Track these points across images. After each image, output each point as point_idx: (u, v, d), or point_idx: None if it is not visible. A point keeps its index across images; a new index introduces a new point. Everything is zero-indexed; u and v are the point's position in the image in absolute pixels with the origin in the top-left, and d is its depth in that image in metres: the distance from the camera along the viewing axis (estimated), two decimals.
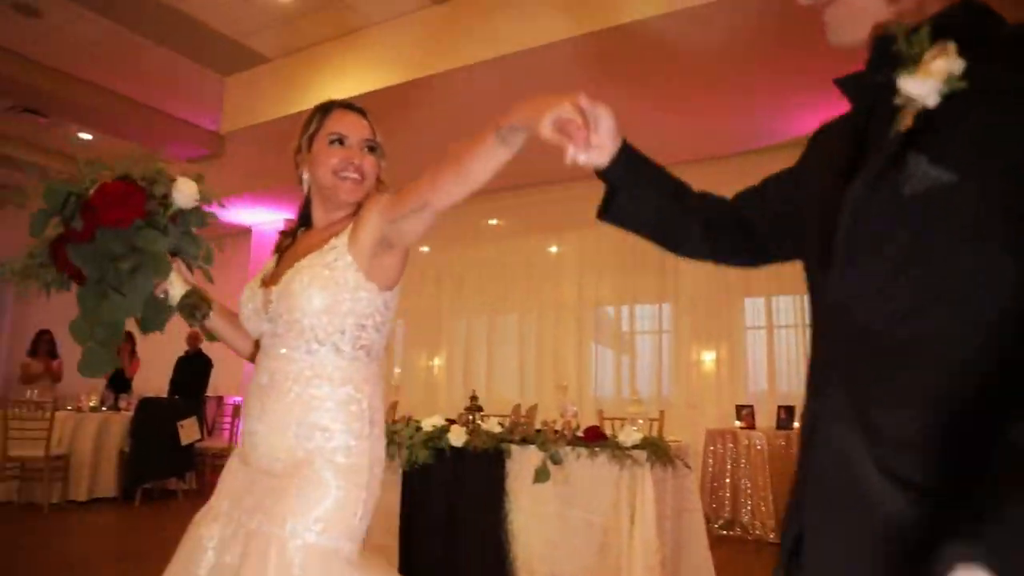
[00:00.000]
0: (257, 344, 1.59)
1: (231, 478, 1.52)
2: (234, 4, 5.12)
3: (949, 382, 0.73)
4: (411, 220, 1.42)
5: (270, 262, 1.64)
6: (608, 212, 1.15)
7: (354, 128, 1.55)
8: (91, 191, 1.41)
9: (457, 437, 3.43)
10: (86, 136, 7.22)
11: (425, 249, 8.09)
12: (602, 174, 1.11)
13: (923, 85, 0.71)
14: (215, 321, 1.64)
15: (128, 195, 1.41)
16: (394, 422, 3.70)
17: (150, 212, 1.44)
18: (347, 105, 1.59)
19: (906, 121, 0.74)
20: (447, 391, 7.79)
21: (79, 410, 6.48)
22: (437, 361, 8.02)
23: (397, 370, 8.15)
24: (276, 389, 1.45)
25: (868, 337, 0.78)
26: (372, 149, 1.56)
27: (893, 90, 0.74)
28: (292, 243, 1.62)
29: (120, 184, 1.42)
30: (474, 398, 4.04)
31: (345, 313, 1.45)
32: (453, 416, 3.86)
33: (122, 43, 5.54)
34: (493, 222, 7.76)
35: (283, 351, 1.47)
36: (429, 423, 3.57)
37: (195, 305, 1.55)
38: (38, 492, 5.82)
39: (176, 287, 1.55)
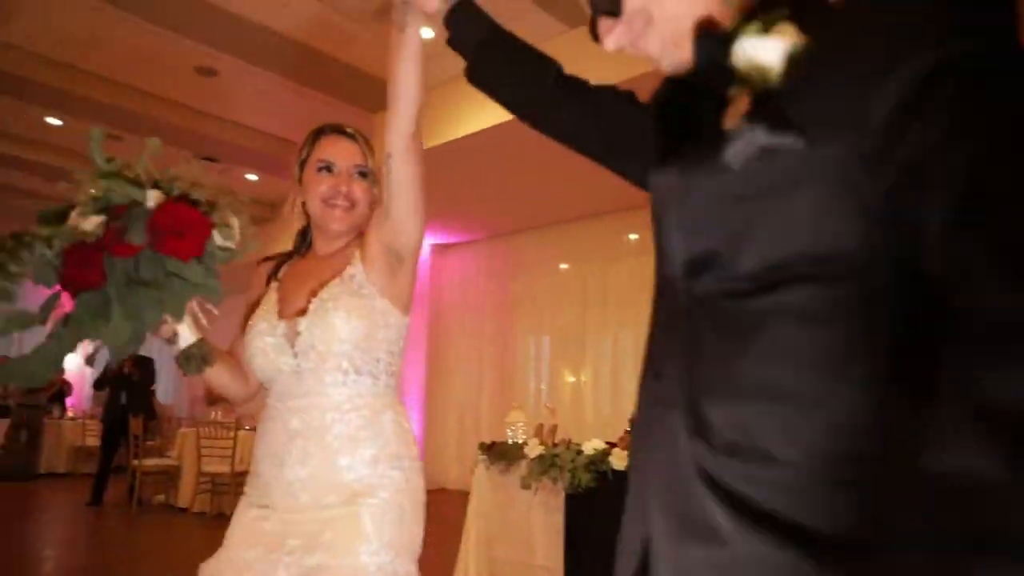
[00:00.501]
0: (252, 385, 1.53)
1: (254, 525, 1.40)
2: (380, 44, 5.42)
3: (796, 373, 0.61)
4: (395, 183, 1.39)
5: (267, 293, 1.54)
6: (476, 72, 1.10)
7: (343, 154, 1.51)
8: (152, 207, 1.23)
9: (619, 460, 3.37)
10: (252, 177, 7.98)
11: (564, 266, 8.11)
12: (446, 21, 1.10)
13: (769, 49, 0.62)
14: (213, 369, 1.43)
15: (195, 227, 1.24)
16: (554, 445, 3.69)
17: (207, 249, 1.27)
18: (338, 130, 1.55)
19: (741, 104, 0.65)
20: (594, 408, 7.74)
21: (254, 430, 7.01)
22: (583, 378, 8.00)
23: (543, 387, 8.21)
24: (314, 429, 1.38)
25: (708, 313, 0.67)
26: (363, 175, 1.52)
27: (724, 78, 0.65)
28: (287, 271, 1.56)
29: (189, 211, 1.25)
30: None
31: (380, 340, 1.43)
32: (610, 437, 3.80)
33: (286, 91, 6.08)
34: (633, 237, 7.67)
35: (313, 386, 1.40)
36: (590, 446, 3.53)
37: (204, 357, 1.37)
38: (226, 504, 6.37)
39: (185, 333, 1.35)
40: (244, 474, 7.19)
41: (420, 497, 1.43)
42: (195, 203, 1.27)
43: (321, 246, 1.55)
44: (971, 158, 0.51)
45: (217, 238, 1.27)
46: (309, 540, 1.33)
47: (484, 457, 3.89)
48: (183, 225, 1.22)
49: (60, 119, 6.61)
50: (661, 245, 0.75)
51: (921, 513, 0.49)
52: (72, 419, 10.21)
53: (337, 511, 1.35)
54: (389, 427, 1.41)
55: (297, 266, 1.56)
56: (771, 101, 0.62)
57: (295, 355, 1.40)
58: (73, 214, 1.23)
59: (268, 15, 5.01)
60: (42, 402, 9.34)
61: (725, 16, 0.69)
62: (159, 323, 1.29)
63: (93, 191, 1.23)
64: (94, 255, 1.20)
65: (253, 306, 1.54)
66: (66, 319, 1.21)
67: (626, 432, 3.73)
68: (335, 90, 6.07)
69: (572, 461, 3.46)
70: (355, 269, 1.44)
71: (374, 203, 1.52)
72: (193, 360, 1.36)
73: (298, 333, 1.40)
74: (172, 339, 1.35)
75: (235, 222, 1.31)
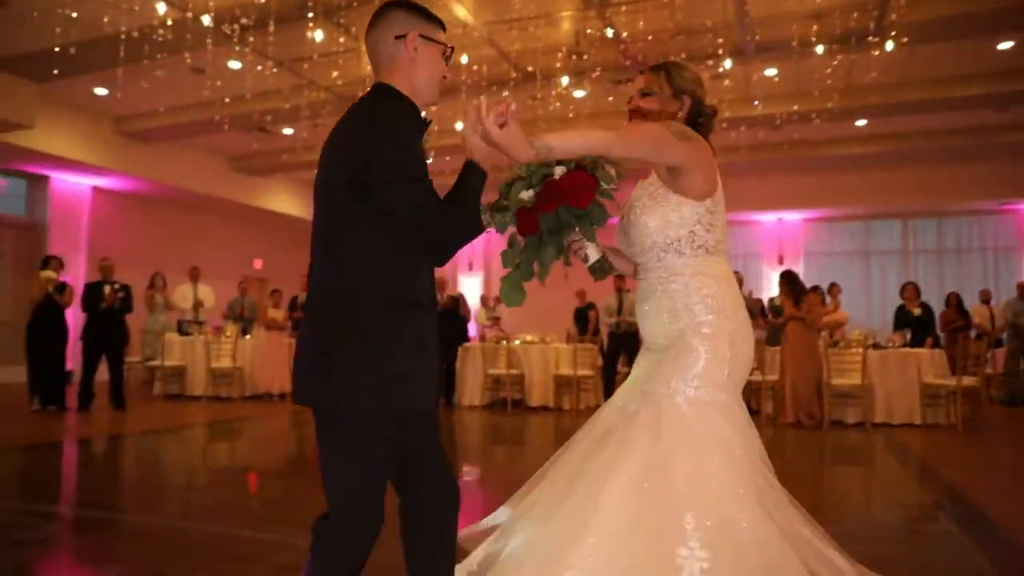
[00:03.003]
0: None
1: (640, 362, 2.10)
2: None
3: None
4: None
5: None
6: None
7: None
8: (556, 176, 1.92)
9: None
10: None
11: None
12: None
13: None
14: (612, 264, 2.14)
15: (587, 183, 1.89)
16: None
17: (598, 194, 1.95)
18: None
19: None
20: None
21: None
22: None
23: None
24: (648, 291, 2.02)
25: None
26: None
27: None
28: None
29: (581, 174, 1.90)
30: None
31: (676, 225, 1.93)
32: None
33: None
34: None
35: (644, 263, 2.02)
36: None
37: (605, 268, 2.07)
38: None
39: (592, 251, 2.06)
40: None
41: (724, 342, 1.89)
42: (583, 168, 1.92)
43: None
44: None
45: (602, 184, 1.92)
46: (650, 372, 1.99)
47: None
48: (579, 185, 1.89)
49: None
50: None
51: None
52: None
53: (662, 355, 1.97)
54: (696, 289, 1.94)
55: None
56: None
57: (628, 245, 2.16)
58: (513, 189, 1.96)
59: None
60: None
61: None
62: (570, 248, 2.04)
63: (524, 172, 1.95)
64: (532, 213, 1.94)
65: None
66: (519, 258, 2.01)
67: None
68: None
69: None
70: (653, 175, 2.11)
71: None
72: (600, 270, 2.07)
73: (624, 232, 2.14)
74: (585, 257, 2.06)
75: (612, 171, 1.93)
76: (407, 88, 1.78)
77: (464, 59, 8.31)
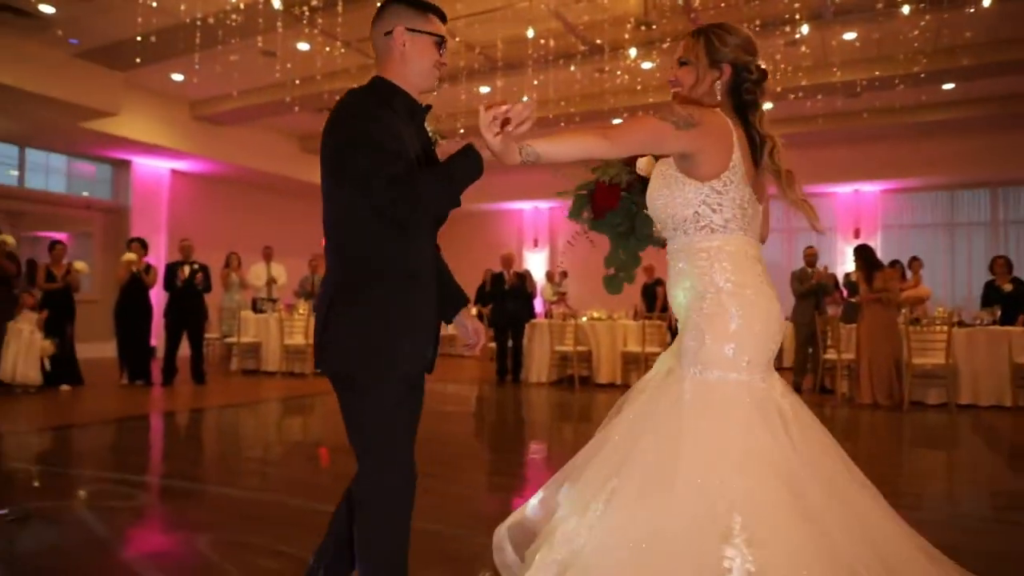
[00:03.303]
0: None
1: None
2: None
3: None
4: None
5: None
6: None
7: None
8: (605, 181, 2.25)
9: None
10: None
11: None
12: None
13: None
14: None
15: (611, 195, 2.23)
16: None
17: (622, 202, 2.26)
18: None
19: None
20: None
21: None
22: None
23: None
24: (670, 269, 1.99)
25: None
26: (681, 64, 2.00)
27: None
28: None
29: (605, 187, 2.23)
30: None
31: (679, 206, 1.88)
32: None
33: None
34: None
35: (668, 241, 2.00)
36: None
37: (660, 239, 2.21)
38: None
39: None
40: None
41: (724, 319, 1.81)
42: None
43: None
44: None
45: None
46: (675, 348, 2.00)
47: None
48: (604, 195, 2.26)
49: None
50: None
51: None
52: None
53: (681, 333, 1.96)
54: (698, 267, 1.89)
55: None
56: None
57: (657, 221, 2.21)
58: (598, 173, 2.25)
59: None
60: None
61: None
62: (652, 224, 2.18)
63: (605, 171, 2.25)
64: (614, 189, 2.23)
65: None
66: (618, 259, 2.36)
67: None
68: None
69: None
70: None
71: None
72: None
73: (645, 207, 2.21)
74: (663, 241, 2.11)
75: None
76: (400, 79, 1.92)
77: (529, 33, 8.21)
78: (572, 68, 9.32)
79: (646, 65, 9.63)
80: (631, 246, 2.24)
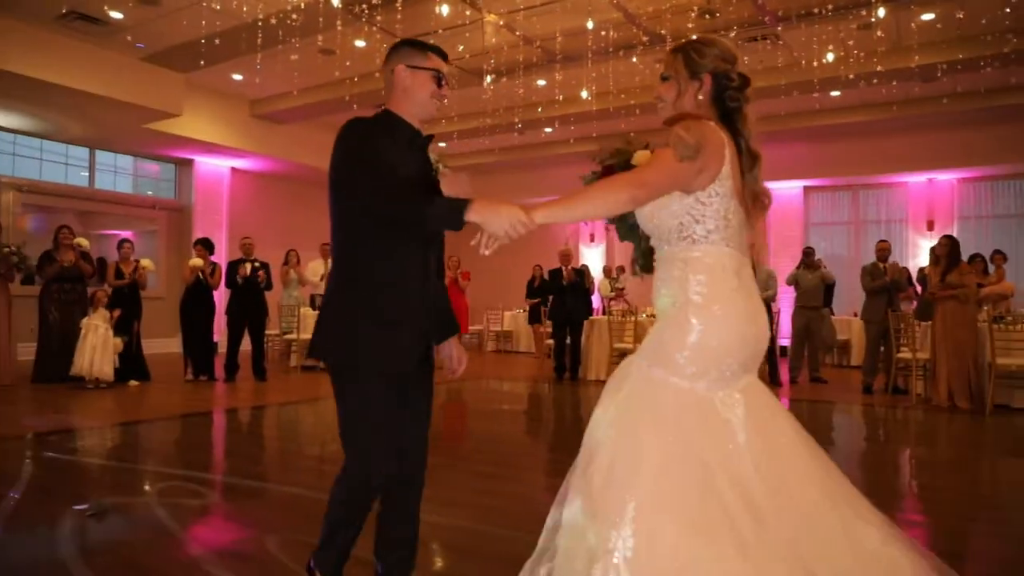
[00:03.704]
0: None
1: None
2: None
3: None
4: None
5: None
6: None
7: None
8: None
9: None
10: None
11: None
12: None
13: None
14: None
15: None
16: None
17: None
18: None
19: None
20: None
21: None
22: None
23: None
24: (655, 275, 2.00)
25: None
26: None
27: None
28: None
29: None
30: None
31: (664, 217, 1.90)
32: None
33: None
34: None
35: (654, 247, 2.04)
36: None
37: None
38: None
39: None
40: None
41: (683, 327, 1.83)
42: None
43: None
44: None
45: None
46: None
47: None
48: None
49: None
50: None
51: None
52: None
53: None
54: (672, 276, 1.91)
55: None
56: None
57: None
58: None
59: None
60: None
61: None
62: None
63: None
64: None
65: None
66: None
67: None
68: None
69: None
70: None
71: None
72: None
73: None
74: None
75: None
76: (403, 110, 2.21)
77: (590, 24, 8.04)
78: (633, 59, 9.10)
79: None
80: (642, 236, 2.18)
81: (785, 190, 14.38)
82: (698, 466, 1.68)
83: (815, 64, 9.18)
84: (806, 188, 14.37)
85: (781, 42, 8.98)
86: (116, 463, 4.67)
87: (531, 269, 13.21)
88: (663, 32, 8.46)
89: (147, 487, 3.96)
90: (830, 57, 9.04)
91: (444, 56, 2.26)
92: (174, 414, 6.49)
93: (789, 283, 9.75)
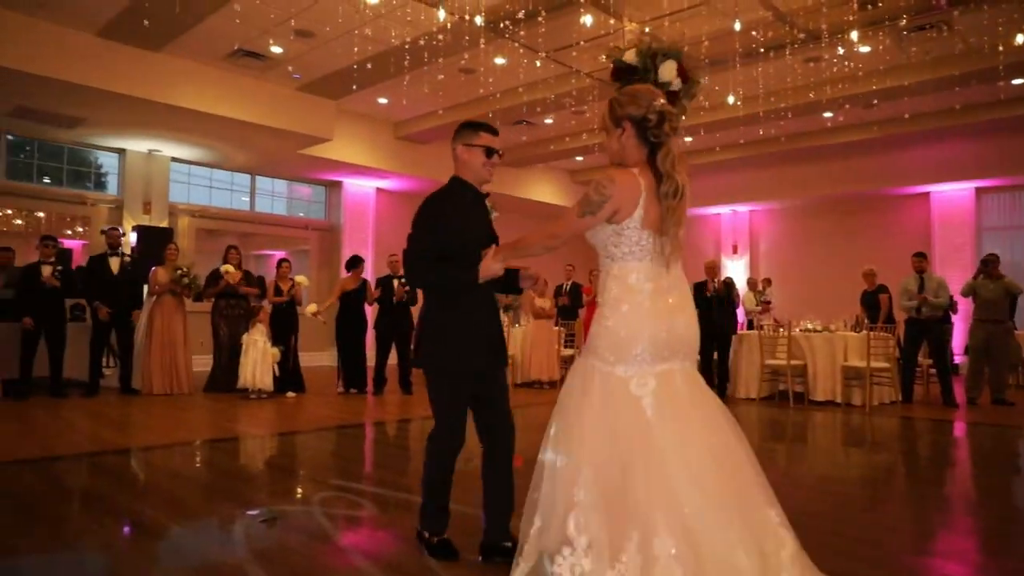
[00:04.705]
0: None
1: None
2: None
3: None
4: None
5: None
6: None
7: None
8: None
9: None
10: None
11: None
12: None
13: None
14: None
15: None
16: None
17: None
18: None
19: None
20: None
21: None
22: None
23: None
24: None
25: None
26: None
27: None
28: None
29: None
30: None
31: (595, 241, 2.40)
32: None
33: None
34: None
35: None
36: None
37: None
38: None
39: None
40: None
41: (608, 326, 2.33)
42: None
43: None
44: None
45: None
46: None
47: None
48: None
49: None
50: None
51: None
52: None
53: None
54: (607, 286, 2.40)
55: None
56: None
57: None
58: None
59: None
60: None
61: None
62: None
63: None
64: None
65: None
66: None
67: None
68: None
69: None
70: None
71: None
72: None
73: None
74: None
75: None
76: (467, 177, 2.92)
77: (736, 26, 7.67)
78: (787, 57, 8.59)
79: (863, 49, 8.70)
80: None
81: (952, 192, 13.14)
82: (607, 429, 2.20)
83: (1000, 49, 8.23)
84: (978, 190, 13.03)
85: (958, 28, 8.16)
86: (277, 471, 4.85)
87: None
88: (819, 27, 7.91)
89: (308, 496, 4.06)
90: (1021, 39, 8.02)
91: (493, 132, 2.94)
92: (328, 425, 6.73)
93: (965, 294, 8.81)
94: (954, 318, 9.61)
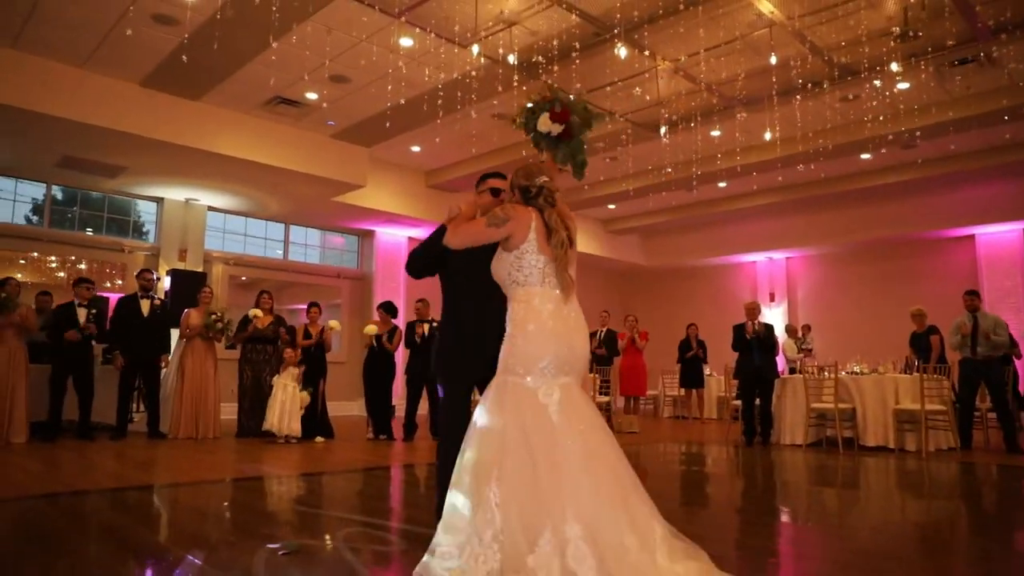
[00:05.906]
0: None
1: None
2: None
3: None
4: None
5: None
6: None
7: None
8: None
9: None
10: None
11: None
12: None
13: None
14: None
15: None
16: None
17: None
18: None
19: None
20: None
21: None
22: None
23: None
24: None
25: None
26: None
27: None
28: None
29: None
30: None
31: (499, 270, 2.87)
32: None
33: None
34: None
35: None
36: None
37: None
38: None
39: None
40: None
41: (513, 346, 2.73)
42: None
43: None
44: None
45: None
46: None
47: None
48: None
49: None
50: None
51: None
52: None
53: None
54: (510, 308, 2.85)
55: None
56: None
57: None
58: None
59: None
60: None
61: None
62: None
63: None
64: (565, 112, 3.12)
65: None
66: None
67: None
68: None
69: None
70: None
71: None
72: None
73: None
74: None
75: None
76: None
77: (772, 60, 7.59)
78: (824, 94, 8.45)
79: (902, 85, 8.55)
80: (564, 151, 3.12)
81: (999, 234, 12.73)
82: (520, 432, 2.51)
83: None
84: None
85: (999, 58, 7.98)
86: (303, 508, 4.66)
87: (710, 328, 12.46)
88: (861, 61, 7.78)
89: (332, 531, 3.88)
90: None
91: (500, 176, 3.32)
92: (356, 467, 6.51)
93: None
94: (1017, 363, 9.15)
